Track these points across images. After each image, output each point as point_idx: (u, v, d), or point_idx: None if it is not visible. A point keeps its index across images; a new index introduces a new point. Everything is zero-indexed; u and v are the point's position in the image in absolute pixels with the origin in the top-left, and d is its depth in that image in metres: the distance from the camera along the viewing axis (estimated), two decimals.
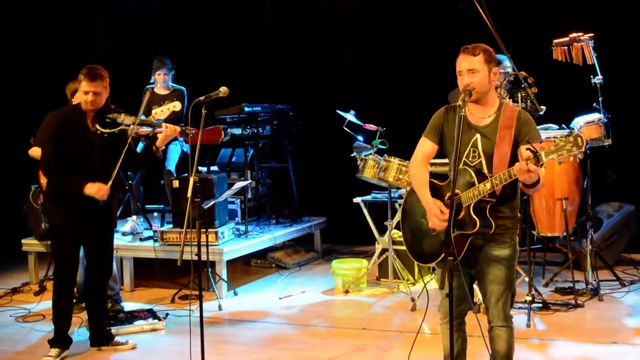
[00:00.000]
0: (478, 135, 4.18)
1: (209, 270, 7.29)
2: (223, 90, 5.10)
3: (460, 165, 4.15)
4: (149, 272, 8.31)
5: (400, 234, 4.71)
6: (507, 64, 6.74)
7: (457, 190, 4.11)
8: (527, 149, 3.80)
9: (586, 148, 6.99)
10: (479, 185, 4.03)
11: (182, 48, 9.63)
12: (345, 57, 9.41)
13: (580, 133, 3.70)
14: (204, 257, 6.43)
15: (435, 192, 4.27)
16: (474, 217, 4.06)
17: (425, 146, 4.36)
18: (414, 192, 4.40)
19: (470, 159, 4.18)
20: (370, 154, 7.36)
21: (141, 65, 8.51)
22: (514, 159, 4.11)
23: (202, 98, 5.00)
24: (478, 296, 5.92)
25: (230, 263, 7.83)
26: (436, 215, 4.15)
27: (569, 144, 3.73)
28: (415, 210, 4.40)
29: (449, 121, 4.26)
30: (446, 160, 4.55)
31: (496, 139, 4.12)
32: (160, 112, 7.60)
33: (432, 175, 4.38)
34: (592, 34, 6.95)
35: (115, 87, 5.72)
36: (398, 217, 7.42)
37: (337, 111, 7.69)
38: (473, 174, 4.08)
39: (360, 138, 7.63)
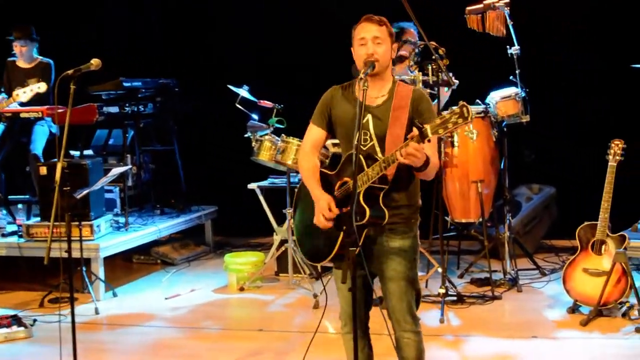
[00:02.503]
0: (369, 116, 4.20)
1: (83, 269, 7.18)
2: (95, 62, 5.01)
3: (352, 150, 4.18)
4: (14, 272, 8.10)
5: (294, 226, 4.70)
6: (415, 32, 6.86)
7: (346, 178, 4.16)
8: (415, 125, 3.85)
9: (503, 125, 7.25)
10: (367, 170, 4.06)
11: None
12: (234, 25, 9.41)
13: (465, 103, 3.76)
14: (76, 254, 6.31)
15: (326, 181, 4.28)
16: (364, 205, 4.07)
17: (313, 134, 4.37)
18: (304, 186, 4.40)
19: (362, 143, 4.18)
20: (266, 134, 7.36)
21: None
22: None
23: (70, 72, 4.90)
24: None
25: (109, 260, 7.71)
26: (323, 211, 4.15)
27: (455, 115, 3.77)
28: (305, 204, 4.39)
29: (339, 102, 4.28)
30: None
31: (389, 121, 4.16)
32: (23, 94, 7.42)
33: (335, 158, 4.41)
34: (507, 1, 7.11)
35: None
36: None
37: (229, 86, 7.66)
38: (362, 159, 4.09)
39: (255, 116, 7.63)
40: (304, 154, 4.41)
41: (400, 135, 4.12)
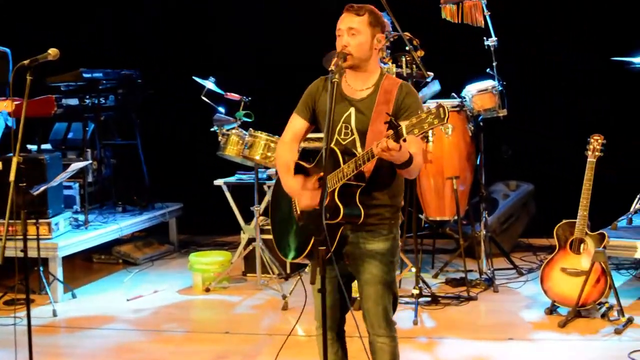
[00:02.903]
0: (352, 110, 4.18)
1: (41, 269, 7.11)
2: (52, 52, 4.94)
3: (333, 145, 4.15)
4: None
5: (270, 221, 4.69)
6: (389, 23, 6.83)
7: (322, 174, 4.13)
8: (386, 122, 3.81)
9: (479, 120, 7.27)
10: (343, 166, 4.04)
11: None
12: (210, 15, 9.39)
13: (442, 103, 3.75)
14: (33, 254, 6.24)
15: (302, 174, 4.27)
16: (338, 203, 4.05)
17: (295, 124, 4.35)
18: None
19: (342, 137, 4.18)
20: (233, 128, 7.33)
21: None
22: None
23: (26, 62, 4.83)
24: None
25: (68, 260, 7.66)
26: (304, 194, 4.15)
27: (431, 116, 3.73)
28: (280, 200, 4.39)
29: (322, 94, 4.25)
30: (321, 135, 4.58)
31: (372, 115, 4.13)
32: None
33: (305, 153, 4.39)
34: None
35: None
36: (267, 201, 7.45)
37: (194, 77, 7.62)
38: (339, 154, 4.08)
39: (221, 109, 7.59)
40: (283, 143, 4.38)
41: (382, 130, 4.07)
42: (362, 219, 4.10)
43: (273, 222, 4.51)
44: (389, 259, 4.22)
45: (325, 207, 3.99)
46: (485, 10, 7.11)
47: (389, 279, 4.23)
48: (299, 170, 4.29)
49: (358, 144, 4.15)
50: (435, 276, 7.54)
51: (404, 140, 3.78)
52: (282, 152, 4.38)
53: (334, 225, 4.06)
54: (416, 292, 6.55)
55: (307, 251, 4.15)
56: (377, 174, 4.10)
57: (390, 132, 3.79)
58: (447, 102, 7.15)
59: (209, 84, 7.57)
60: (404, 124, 3.77)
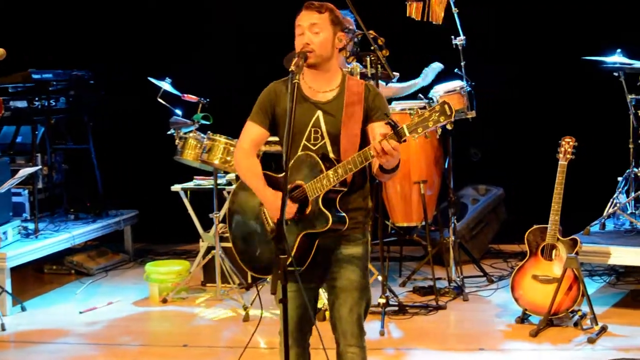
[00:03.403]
0: (320, 113, 4.18)
1: None
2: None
3: (300, 150, 4.15)
4: None
5: (230, 235, 4.60)
6: (353, 21, 6.84)
7: (299, 182, 4.13)
8: (387, 123, 3.84)
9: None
10: (327, 172, 4.04)
11: (137, 47, 9.46)
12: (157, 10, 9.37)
13: (447, 100, 3.80)
14: None
15: (272, 186, 4.23)
16: (325, 211, 4.07)
17: (253, 132, 4.30)
18: (242, 191, 4.36)
19: (312, 142, 4.18)
20: (191, 131, 7.31)
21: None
22: (363, 140, 4.17)
23: None
24: (324, 300, 6.03)
25: (17, 271, 7.58)
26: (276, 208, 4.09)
27: (435, 113, 3.80)
28: (245, 212, 4.36)
29: (282, 98, 4.23)
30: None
31: (342, 117, 4.15)
32: None
33: (264, 159, 4.38)
34: None
35: None
36: (226, 210, 7.43)
37: (150, 78, 7.58)
38: (319, 160, 4.09)
39: (178, 112, 7.56)
40: (243, 153, 4.32)
41: (356, 133, 4.13)
42: (346, 225, 4.13)
43: (236, 236, 4.43)
44: (364, 264, 4.27)
45: (310, 218, 4.06)
46: (453, 8, 7.15)
47: (365, 284, 4.27)
48: (266, 180, 4.27)
49: (329, 148, 4.16)
50: (403, 284, 7.57)
51: (404, 141, 3.83)
52: (245, 161, 4.31)
53: (313, 234, 4.08)
54: (383, 301, 6.56)
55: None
56: (354, 177, 4.14)
57: (387, 132, 3.81)
58: (414, 103, 7.18)
59: (165, 85, 7.54)
60: (405, 125, 3.82)
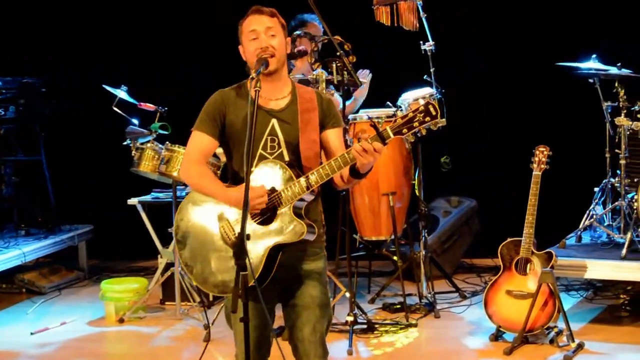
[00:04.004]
0: (274, 121, 4.20)
1: None
2: None
3: (257, 159, 4.15)
4: None
5: (182, 255, 4.45)
6: (319, 26, 6.88)
7: (273, 186, 4.12)
8: (371, 125, 3.91)
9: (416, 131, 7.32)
10: (299, 179, 4.06)
11: (91, 54, 9.41)
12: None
13: (430, 100, 3.87)
14: None
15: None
16: (298, 220, 4.09)
17: (202, 142, 4.26)
18: (191, 206, 4.30)
19: (268, 151, 4.19)
20: (148, 141, 7.28)
21: None
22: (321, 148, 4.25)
23: None
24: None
25: None
26: (256, 200, 4.06)
27: (420, 113, 3.88)
28: (199, 228, 4.29)
29: (233, 106, 4.24)
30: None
31: (299, 125, 4.18)
32: None
33: (223, 172, 4.36)
34: None
35: None
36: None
37: (104, 86, 7.56)
38: (286, 167, 4.11)
39: (135, 121, 7.53)
40: (192, 163, 4.28)
41: (315, 139, 4.18)
42: (316, 235, 4.16)
43: (187, 259, 4.32)
44: (325, 279, 4.30)
45: (280, 228, 4.07)
46: (422, 13, 7.18)
47: (327, 300, 4.28)
48: None
49: (286, 157, 4.18)
50: (372, 301, 7.57)
51: (385, 144, 3.89)
52: (195, 168, 4.27)
53: (280, 247, 4.09)
54: (350, 319, 6.56)
55: (253, 281, 4.03)
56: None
57: (369, 135, 3.85)
58: (382, 112, 7.20)
59: (121, 93, 7.51)
60: (388, 126, 3.89)
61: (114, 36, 9.34)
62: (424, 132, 6.79)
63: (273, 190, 4.10)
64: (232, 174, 4.31)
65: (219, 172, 6.89)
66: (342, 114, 6.52)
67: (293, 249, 4.16)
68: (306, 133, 4.17)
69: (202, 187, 4.26)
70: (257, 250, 4.08)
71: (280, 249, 4.11)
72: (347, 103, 7.20)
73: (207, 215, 4.26)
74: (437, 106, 3.88)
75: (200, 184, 4.26)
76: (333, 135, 4.26)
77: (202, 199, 4.28)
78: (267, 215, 4.11)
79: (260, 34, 4.18)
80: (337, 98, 7.15)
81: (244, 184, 3.87)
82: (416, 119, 3.87)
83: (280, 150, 4.19)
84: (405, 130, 3.90)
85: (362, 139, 3.91)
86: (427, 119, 3.87)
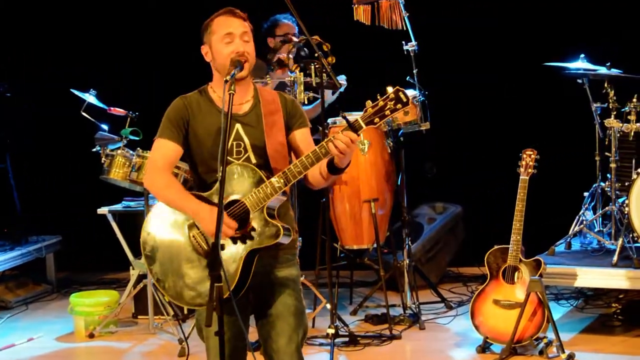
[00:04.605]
0: (239, 126, 4.24)
1: None
2: None
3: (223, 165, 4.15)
4: None
5: (152, 270, 4.40)
6: (294, 26, 6.88)
7: (236, 196, 4.13)
8: (342, 117, 4.01)
9: (399, 134, 7.34)
10: (271, 180, 4.08)
11: (59, 57, 9.38)
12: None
13: (399, 87, 3.97)
14: None
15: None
16: (273, 222, 4.11)
17: (167, 150, 4.26)
18: (157, 216, 4.27)
19: (234, 156, 4.22)
20: (119, 147, 7.26)
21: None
22: (288, 151, 4.31)
23: None
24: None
25: None
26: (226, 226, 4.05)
27: (391, 101, 3.98)
28: (167, 240, 4.26)
29: (197, 112, 4.26)
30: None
31: (264, 128, 4.23)
32: None
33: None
34: None
35: None
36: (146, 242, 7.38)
37: (72, 90, 7.53)
38: (256, 168, 4.14)
39: (104, 127, 7.50)
40: (157, 172, 4.28)
41: (282, 141, 4.25)
42: (291, 238, 4.20)
43: (158, 274, 4.27)
44: (299, 286, 4.32)
45: (257, 231, 4.09)
46: (404, 11, 7.18)
47: (302, 308, 4.30)
48: None
49: (254, 161, 4.22)
50: (354, 313, 7.57)
51: (358, 135, 3.98)
52: (161, 178, 4.25)
53: (254, 252, 4.10)
54: (332, 331, 6.55)
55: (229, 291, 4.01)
56: None
57: (341, 127, 3.93)
58: (357, 117, 7.17)
59: (90, 98, 7.48)
60: (359, 116, 3.99)
61: (81, 39, 9.32)
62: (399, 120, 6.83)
63: (232, 202, 4.11)
64: (197, 180, 4.33)
65: (191, 178, 6.87)
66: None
67: (266, 255, 4.18)
68: (272, 135, 4.22)
69: (168, 198, 4.25)
70: (232, 258, 4.09)
71: (255, 255, 4.12)
72: (307, 108, 7.18)
73: (175, 225, 4.25)
74: (406, 93, 3.98)
75: (167, 195, 4.24)
76: (301, 136, 4.33)
77: (168, 209, 4.27)
78: (240, 221, 4.10)
79: (236, 37, 4.21)
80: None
81: (211, 206, 4.00)
82: (387, 107, 3.98)
83: (246, 155, 4.23)
84: (377, 120, 4.00)
85: (339, 132, 3.98)
86: (399, 106, 3.98)
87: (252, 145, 4.22)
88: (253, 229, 4.11)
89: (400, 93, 3.97)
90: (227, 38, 4.21)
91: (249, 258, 4.11)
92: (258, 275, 4.18)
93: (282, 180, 4.07)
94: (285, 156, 4.24)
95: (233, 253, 4.10)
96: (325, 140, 4.00)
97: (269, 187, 4.08)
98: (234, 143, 4.22)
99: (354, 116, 4.11)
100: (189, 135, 4.27)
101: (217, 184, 4.07)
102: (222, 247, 3.88)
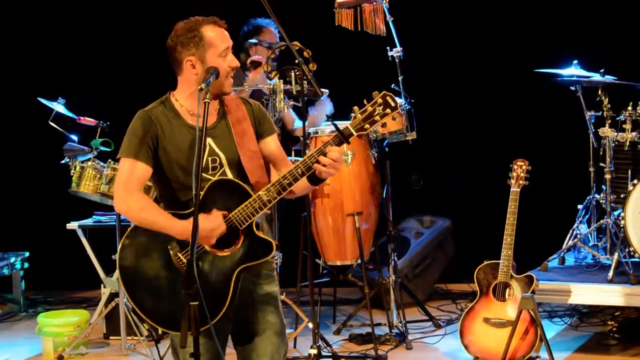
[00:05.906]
0: (210, 140, 4.22)
1: None
2: None
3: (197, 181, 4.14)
4: None
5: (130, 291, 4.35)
6: (275, 32, 6.90)
7: (223, 212, 4.12)
8: (332, 123, 4.17)
9: (384, 145, 7.36)
10: (259, 193, 4.09)
11: (25, 64, 9.40)
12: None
13: (386, 92, 4.05)
14: None
15: None
16: (265, 236, 4.16)
17: (138, 170, 4.18)
18: (135, 241, 4.24)
19: (210, 172, 4.21)
20: (89, 159, 7.26)
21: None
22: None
23: None
24: None
25: None
26: (211, 232, 4.06)
27: (379, 107, 4.09)
28: (146, 265, 4.22)
29: (165, 126, 4.22)
30: None
31: (234, 139, 4.23)
32: None
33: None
34: None
35: None
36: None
37: (40, 99, 7.53)
38: (241, 183, 4.15)
39: (74, 137, 7.50)
40: (129, 194, 4.18)
41: (255, 150, 4.26)
42: (272, 252, 4.20)
43: (137, 297, 4.24)
44: (279, 303, 4.34)
45: (245, 249, 4.12)
46: (388, 16, 7.20)
47: (284, 328, 4.32)
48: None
49: (230, 175, 4.22)
50: (337, 332, 7.57)
51: (348, 143, 4.10)
52: (135, 200, 4.17)
53: (245, 269, 4.12)
54: (314, 352, 6.55)
55: (221, 312, 4.07)
56: None
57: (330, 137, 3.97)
58: (346, 124, 7.19)
59: (58, 107, 7.48)
60: (349, 124, 4.08)
61: (50, 45, 9.31)
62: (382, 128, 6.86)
63: (229, 211, 4.12)
64: (167, 200, 4.28)
65: None
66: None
67: (248, 271, 4.18)
68: (244, 145, 4.23)
69: (148, 221, 4.18)
70: (223, 277, 4.10)
71: (242, 272, 4.14)
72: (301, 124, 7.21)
73: (154, 247, 4.21)
74: (394, 97, 4.08)
75: (146, 217, 4.18)
76: (272, 143, 4.38)
77: (143, 230, 4.21)
78: (227, 238, 4.11)
79: (229, 52, 4.26)
80: (291, 113, 7.18)
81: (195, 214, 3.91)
82: (376, 113, 4.09)
83: (222, 169, 4.23)
84: (367, 126, 4.11)
85: (326, 143, 4.07)
86: (388, 110, 4.09)
87: (227, 158, 4.22)
88: (243, 246, 4.14)
89: (388, 97, 4.07)
90: (227, 52, 4.24)
91: (238, 277, 4.12)
92: (241, 292, 4.17)
93: (272, 194, 4.09)
94: (261, 165, 4.24)
95: (224, 273, 4.11)
96: (315, 150, 4.07)
97: (257, 201, 4.09)
98: (209, 159, 4.20)
99: (343, 124, 4.16)
100: (158, 152, 4.21)
101: (206, 197, 4.10)
102: (198, 265, 3.90)
